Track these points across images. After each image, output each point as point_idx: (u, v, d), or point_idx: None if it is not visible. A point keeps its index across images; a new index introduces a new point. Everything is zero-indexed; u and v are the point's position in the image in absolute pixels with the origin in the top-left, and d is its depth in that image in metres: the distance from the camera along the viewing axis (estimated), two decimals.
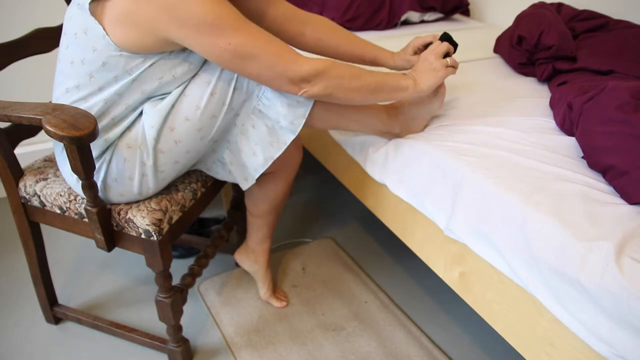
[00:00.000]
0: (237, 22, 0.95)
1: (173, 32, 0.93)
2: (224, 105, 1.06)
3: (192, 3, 0.90)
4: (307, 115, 1.09)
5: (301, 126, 1.10)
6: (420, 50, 1.25)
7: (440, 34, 1.22)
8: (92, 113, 1.02)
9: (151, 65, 1.00)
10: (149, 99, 1.05)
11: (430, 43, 1.22)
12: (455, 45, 1.19)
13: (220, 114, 1.07)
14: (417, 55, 1.25)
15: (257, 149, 1.13)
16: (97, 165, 1.07)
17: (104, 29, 0.95)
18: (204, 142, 1.10)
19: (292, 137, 1.11)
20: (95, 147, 1.05)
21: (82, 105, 1.02)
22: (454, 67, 1.16)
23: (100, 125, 1.04)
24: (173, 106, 1.04)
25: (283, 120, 1.09)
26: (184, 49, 1.02)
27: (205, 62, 1.06)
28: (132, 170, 1.07)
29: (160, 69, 1.01)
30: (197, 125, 1.06)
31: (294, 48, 1.05)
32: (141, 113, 1.06)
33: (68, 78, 1.02)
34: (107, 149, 1.06)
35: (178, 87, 1.05)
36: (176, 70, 1.03)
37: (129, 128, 1.06)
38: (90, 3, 0.94)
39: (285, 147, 1.12)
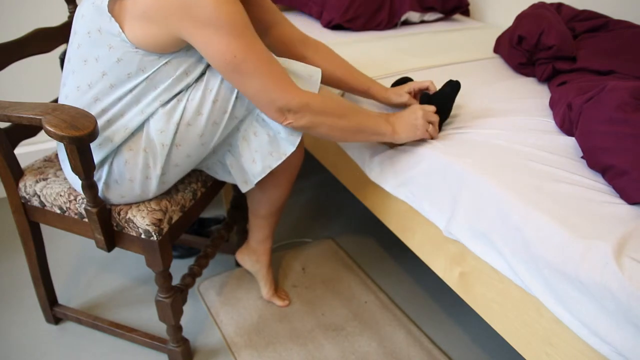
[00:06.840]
0: (247, 35, 0.95)
1: (185, 29, 0.93)
2: (225, 113, 1.06)
3: (209, 4, 0.90)
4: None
5: (300, 138, 1.10)
6: (415, 93, 1.27)
7: (437, 80, 1.23)
8: (108, 116, 1.02)
9: (165, 63, 1.00)
10: (161, 100, 1.03)
11: (427, 88, 1.25)
12: (457, 86, 1.21)
13: (222, 121, 1.07)
14: (410, 95, 1.27)
15: (257, 157, 1.13)
16: (101, 166, 1.07)
17: (120, 27, 0.95)
18: (206, 148, 1.10)
19: (292, 149, 1.11)
20: (102, 150, 1.05)
21: (96, 107, 1.02)
22: (431, 135, 1.17)
23: (111, 128, 1.03)
24: (178, 110, 1.04)
25: (282, 131, 1.10)
26: None
27: (209, 66, 1.06)
28: (132, 173, 1.07)
29: (174, 67, 1.01)
30: (198, 131, 1.06)
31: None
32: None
33: (80, 76, 1.02)
34: (112, 150, 1.06)
35: (188, 88, 1.05)
36: (189, 69, 1.03)
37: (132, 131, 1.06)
38: (108, 1, 0.95)
39: (285, 157, 1.12)
